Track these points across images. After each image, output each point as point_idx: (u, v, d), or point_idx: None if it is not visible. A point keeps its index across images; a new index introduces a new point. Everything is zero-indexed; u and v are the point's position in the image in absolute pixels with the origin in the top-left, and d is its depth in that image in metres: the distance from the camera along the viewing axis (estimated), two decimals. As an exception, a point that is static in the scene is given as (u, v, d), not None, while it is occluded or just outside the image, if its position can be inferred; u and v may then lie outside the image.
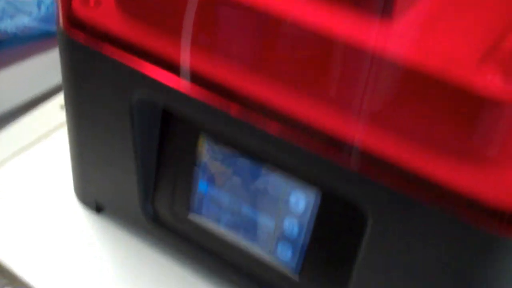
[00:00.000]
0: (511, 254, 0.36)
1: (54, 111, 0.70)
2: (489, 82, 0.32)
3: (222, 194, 0.49)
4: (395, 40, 0.35)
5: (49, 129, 0.67)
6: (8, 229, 0.57)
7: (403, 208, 0.37)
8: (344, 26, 0.36)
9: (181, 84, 0.43)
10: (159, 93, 0.45)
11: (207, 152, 0.48)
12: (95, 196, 0.58)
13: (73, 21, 0.47)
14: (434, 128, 0.35)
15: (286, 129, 0.40)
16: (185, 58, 0.42)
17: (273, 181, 0.45)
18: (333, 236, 0.45)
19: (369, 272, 0.42)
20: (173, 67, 0.43)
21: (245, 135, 0.42)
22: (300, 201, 0.45)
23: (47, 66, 0.74)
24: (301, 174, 0.44)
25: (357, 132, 0.37)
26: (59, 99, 0.71)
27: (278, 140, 0.40)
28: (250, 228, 0.49)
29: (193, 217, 0.51)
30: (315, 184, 0.43)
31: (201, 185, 0.50)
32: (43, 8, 0.75)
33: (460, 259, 0.36)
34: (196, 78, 0.42)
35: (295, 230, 0.46)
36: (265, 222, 0.47)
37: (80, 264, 0.54)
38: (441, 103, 0.34)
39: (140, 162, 0.50)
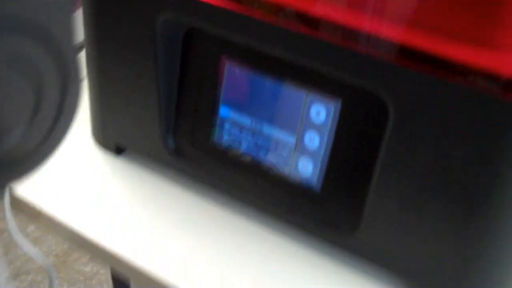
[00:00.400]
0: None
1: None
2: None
3: (243, 116, 0.51)
4: None
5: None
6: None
7: (427, 88, 0.39)
8: None
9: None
10: (185, 10, 0.47)
11: (228, 75, 0.50)
12: (115, 138, 0.59)
13: None
14: (453, 13, 0.37)
15: (307, 26, 0.42)
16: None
17: (294, 95, 0.48)
18: (353, 146, 0.47)
19: (391, 176, 0.44)
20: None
21: (268, 38, 0.44)
22: (321, 112, 0.47)
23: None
24: (322, 81, 0.46)
25: (380, 21, 0.39)
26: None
27: (300, 37, 0.42)
28: (271, 148, 0.51)
29: (214, 144, 0.53)
30: (335, 92, 0.46)
31: (222, 110, 0.52)
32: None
33: (483, 132, 0.39)
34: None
35: (316, 143, 0.48)
36: (286, 139, 0.50)
37: (104, 206, 0.56)
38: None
39: (162, 91, 0.52)
